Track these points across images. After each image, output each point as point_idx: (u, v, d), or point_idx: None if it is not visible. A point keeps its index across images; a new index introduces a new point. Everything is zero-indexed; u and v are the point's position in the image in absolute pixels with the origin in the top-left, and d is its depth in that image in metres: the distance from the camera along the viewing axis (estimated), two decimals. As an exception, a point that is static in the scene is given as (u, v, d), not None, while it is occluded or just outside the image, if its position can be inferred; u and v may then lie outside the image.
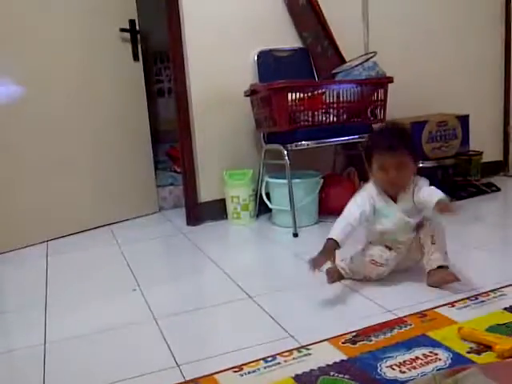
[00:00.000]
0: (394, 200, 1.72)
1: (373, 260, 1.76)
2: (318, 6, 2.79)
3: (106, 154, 2.88)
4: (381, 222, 1.74)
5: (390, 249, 1.77)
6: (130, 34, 2.93)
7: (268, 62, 2.75)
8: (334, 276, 1.81)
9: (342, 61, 2.80)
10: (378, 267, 1.77)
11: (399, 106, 2.88)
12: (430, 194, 1.65)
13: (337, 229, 1.65)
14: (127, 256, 2.30)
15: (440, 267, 1.67)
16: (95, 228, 2.81)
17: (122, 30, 2.88)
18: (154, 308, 1.70)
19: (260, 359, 1.30)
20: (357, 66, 2.58)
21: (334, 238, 1.62)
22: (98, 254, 2.41)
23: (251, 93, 2.61)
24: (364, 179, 2.69)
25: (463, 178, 3.02)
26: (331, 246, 1.62)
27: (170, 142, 3.83)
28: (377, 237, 1.78)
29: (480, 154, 3.11)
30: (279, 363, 1.28)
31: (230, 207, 2.74)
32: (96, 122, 2.82)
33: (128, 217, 2.97)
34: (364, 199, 1.72)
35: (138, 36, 2.97)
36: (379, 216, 1.73)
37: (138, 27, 2.96)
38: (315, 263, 1.58)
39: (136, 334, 1.54)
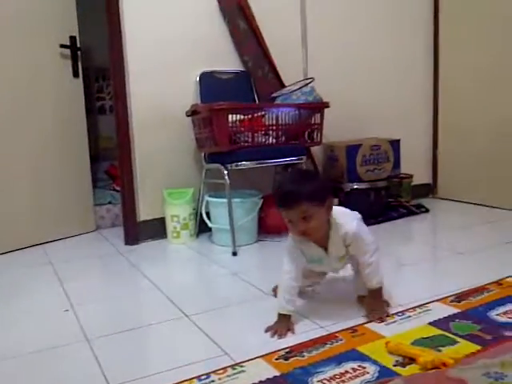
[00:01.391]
0: (325, 249, 1.62)
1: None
2: (259, 30, 2.88)
3: (43, 170, 2.80)
4: (313, 266, 1.71)
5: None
6: (71, 51, 2.89)
7: (210, 83, 2.80)
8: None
9: (282, 85, 2.89)
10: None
11: (335, 130, 3.01)
12: (368, 273, 1.63)
13: (281, 301, 1.61)
14: (61, 276, 2.24)
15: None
16: (28, 247, 2.72)
17: (62, 46, 2.84)
18: (87, 328, 1.66)
19: (194, 377, 1.30)
20: (295, 90, 2.67)
21: (283, 313, 1.60)
22: (30, 274, 2.32)
23: (192, 113, 2.64)
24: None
25: (395, 200, 3.18)
26: (285, 319, 1.60)
27: (111, 160, 3.78)
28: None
29: (410, 176, 3.28)
30: (213, 381, 1.29)
31: (169, 226, 2.73)
32: (34, 137, 2.75)
33: (63, 235, 2.89)
34: (291, 258, 1.63)
35: (79, 53, 2.94)
36: (312, 261, 1.67)
37: (78, 44, 2.93)
38: (278, 333, 1.55)
39: (68, 356, 1.50)
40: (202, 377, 1.31)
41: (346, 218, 1.61)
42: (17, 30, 2.65)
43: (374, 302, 1.66)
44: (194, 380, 1.29)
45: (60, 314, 1.80)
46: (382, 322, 1.60)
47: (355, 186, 2.96)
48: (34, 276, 2.29)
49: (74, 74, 2.94)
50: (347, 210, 1.69)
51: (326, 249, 1.61)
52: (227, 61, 2.90)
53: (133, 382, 1.32)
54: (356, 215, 1.67)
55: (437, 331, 1.50)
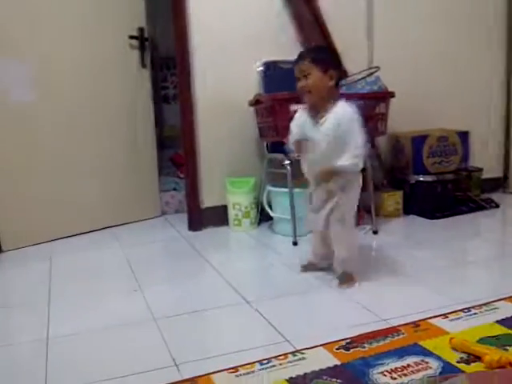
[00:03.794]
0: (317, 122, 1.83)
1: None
2: (323, 19, 2.84)
3: (113, 157, 2.93)
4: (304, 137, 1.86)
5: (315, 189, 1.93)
6: (139, 42, 2.99)
7: (273, 73, 2.81)
8: (308, 267, 2.04)
9: (346, 74, 2.85)
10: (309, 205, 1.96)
11: (401, 120, 2.93)
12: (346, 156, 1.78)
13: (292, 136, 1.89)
14: (129, 258, 2.34)
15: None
16: (98, 230, 2.86)
17: (131, 37, 2.94)
18: (154, 309, 1.74)
19: (255, 361, 1.34)
20: (360, 79, 2.63)
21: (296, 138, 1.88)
22: (101, 256, 2.45)
23: (255, 102, 2.66)
24: (364, 189, 2.75)
25: (463, 193, 3.06)
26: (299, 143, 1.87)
27: (175, 148, 3.88)
28: (304, 170, 1.95)
29: (480, 170, 3.15)
30: (274, 366, 1.32)
31: (231, 214, 2.79)
32: (104, 126, 2.87)
33: (131, 220, 3.02)
34: (294, 128, 1.90)
35: (147, 43, 3.03)
36: (303, 133, 1.86)
37: (146, 35, 3.02)
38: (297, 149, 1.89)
39: (135, 333, 1.58)
40: (264, 361, 1.34)
41: (346, 106, 1.82)
42: (88, 21, 2.77)
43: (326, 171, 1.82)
44: (256, 364, 1.33)
45: (129, 294, 1.89)
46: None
47: (421, 179, 2.89)
48: (104, 257, 2.42)
49: (142, 64, 3.04)
50: None
51: (316, 123, 1.82)
52: (290, 50, 2.85)
53: (197, 361, 1.38)
54: (356, 111, 1.83)
55: (504, 330, 1.45)
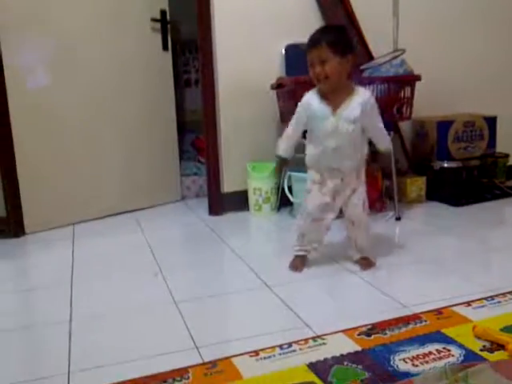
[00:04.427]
0: (334, 109, 1.76)
1: (311, 184, 1.88)
2: (348, 1, 2.79)
3: (134, 141, 2.94)
4: (318, 126, 1.79)
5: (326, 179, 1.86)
6: (161, 24, 2.97)
7: (295, 56, 2.77)
8: (299, 265, 1.92)
9: (370, 57, 2.80)
10: (317, 194, 1.86)
11: (426, 104, 2.87)
12: (378, 136, 1.86)
13: (278, 148, 1.93)
14: (150, 242, 2.36)
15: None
16: (120, 213, 2.88)
17: (153, 19, 2.93)
18: (175, 292, 1.75)
19: (276, 346, 1.34)
20: (385, 62, 2.57)
21: (279, 154, 1.93)
22: (122, 240, 2.47)
23: (277, 86, 2.63)
24: (387, 176, 2.71)
25: (488, 180, 3.00)
26: (279, 161, 1.97)
27: (196, 133, 3.87)
28: (313, 161, 1.87)
29: (506, 156, 3.08)
30: (294, 351, 1.31)
31: (252, 199, 2.78)
32: (125, 109, 2.88)
33: (152, 204, 3.04)
34: (295, 122, 1.87)
35: (168, 26, 3.02)
36: (315, 120, 1.79)
37: (168, 17, 3.00)
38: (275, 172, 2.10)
39: (157, 316, 1.59)
40: (284, 346, 1.34)
41: (368, 92, 1.81)
42: (110, 3, 2.76)
43: (385, 161, 2.08)
44: (276, 348, 1.33)
45: (150, 277, 1.91)
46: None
47: (445, 165, 2.84)
48: (126, 241, 2.44)
49: (164, 47, 3.03)
50: None
51: (334, 110, 1.75)
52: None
53: (217, 344, 1.38)
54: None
55: (530, 319, 1.42)
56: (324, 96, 1.77)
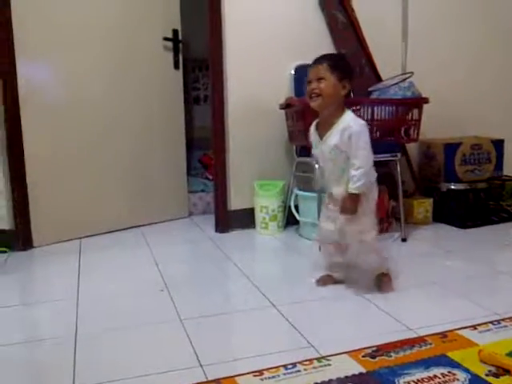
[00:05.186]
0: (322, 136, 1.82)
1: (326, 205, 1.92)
2: (358, 24, 2.83)
3: (143, 157, 2.97)
4: (314, 151, 1.90)
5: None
6: (173, 43, 3.02)
7: (304, 77, 2.79)
8: (326, 281, 1.95)
9: (379, 79, 2.83)
10: (323, 218, 1.92)
11: (433, 126, 2.89)
12: (353, 175, 1.73)
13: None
14: (156, 258, 2.37)
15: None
16: (127, 228, 2.90)
17: (166, 38, 2.98)
18: (181, 309, 1.75)
19: (280, 366, 1.33)
20: (393, 85, 2.60)
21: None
22: (129, 254, 2.48)
23: (286, 106, 2.66)
24: (394, 197, 2.72)
25: (495, 203, 3.00)
26: None
27: (203, 149, 3.91)
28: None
29: (514, 179, 3.08)
30: (299, 371, 1.31)
31: (258, 217, 2.79)
32: (135, 125, 2.92)
33: (159, 220, 3.06)
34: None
35: (180, 45, 3.07)
36: (313, 145, 1.90)
37: (180, 37, 3.05)
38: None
39: (162, 333, 1.60)
40: (289, 366, 1.34)
41: (357, 119, 1.79)
42: (124, 23, 2.81)
43: (349, 201, 1.75)
44: (281, 368, 1.32)
45: (156, 293, 1.92)
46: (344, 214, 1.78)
47: (452, 187, 2.84)
48: (132, 256, 2.45)
49: (175, 65, 3.08)
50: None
51: (322, 136, 1.81)
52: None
53: (222, 364, 1.38)
54: (366, 126, 1.78)
55: (536, 344, 1.42)
56: (318, 122, 1.86)
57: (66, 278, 2.13)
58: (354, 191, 1.73)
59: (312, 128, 1.89)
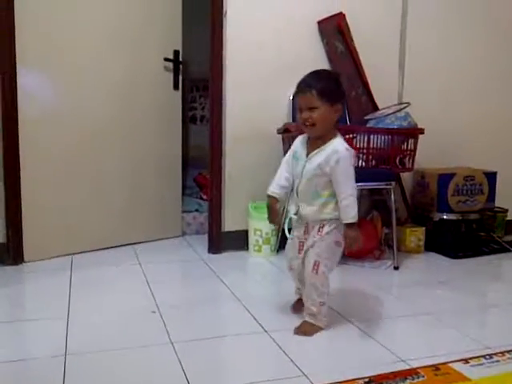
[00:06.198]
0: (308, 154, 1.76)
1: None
2: (356, 53, 2.88)
3: (138, 174, 2.96)
4: (295, 167, 1.80)
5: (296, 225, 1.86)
6: (173, 64, 3.05)
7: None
8: (298, 307, 1.91)
9: (375, 107, 2.87)
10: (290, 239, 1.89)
11: (427, 156, 2.92)
12: (346, 205, 1.68)
13: (271, 186, 1.85)
14: (148, 277, 2.35)
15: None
16: (119, 246, 2.88)
17: (166, 59, 3.00)
18: (172, 332, 1.74)
19: (272, 394, 1.32)
20: (390, 114, 2.64)
21: (268, 193, 1.84)
22: (121, 272, 2.46)
23: (284, 131, 2.69)
24: (387, 225, 2.74)
25: (486, 234, 3.03)
26: (270, 202, 1.84)
27: (198, 169, 3.92)
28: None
29: (505, 211, 3.11)
30: (291, 400, 1.30)
31: (252, 239, 2.79)
32: (131, 144, 2.91)
33: (151, 238, 3.04)
34: (287, 154, 1.86)
35: (181, 66, 3.09)
36: (294, 160, 1.80)
37: (181, 58, 3.08)
38: (270, 220, 1.88)
39: (152, 356, 1.58)
40: (280, 395, 1.33)
41: (346, 145, 1.73)
42: (126, 42, 2.83)
43: (352, 233, 1.70)
44: (272, 397, 1.31)
45: (147, 315, 1.90)
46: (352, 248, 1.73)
47: (445, 217, 2.86)
48: (124, 274, 2.43)
49: (175, 86, 3.10)
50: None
51: (308, 153, 1.75)
52: (322, 81, 2.92)
53: (213, 390, 1.37)
54: (354, 154, 1.75)
55: (528, 381, 1.42)
56: (308, 140, 1.79)
57: (56, 295, 2.11)
58: (350, 221, 1.69)
59: (301, 140, 1.81)
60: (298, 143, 1.82)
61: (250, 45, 2.79)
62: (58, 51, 2.60)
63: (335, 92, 1.71)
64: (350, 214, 1.69)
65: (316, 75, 1.74)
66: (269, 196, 1.84)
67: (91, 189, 2.78)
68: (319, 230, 1.74)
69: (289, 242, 1.92)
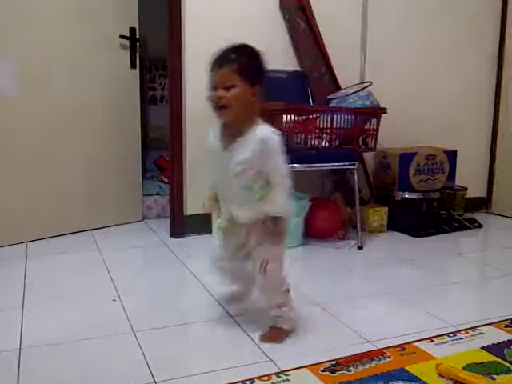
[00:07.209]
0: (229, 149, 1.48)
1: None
2: (319, 32, 2.83)
3: (96, 158, 2.85)
4: (213, 163, 1.58)
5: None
6: (130, 42, 2.93)
7: (265, 82, 2.77)
8: (237, 307, 1.77)
9: (338, 87, 2.84)
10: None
11: (389, 136, 2.93)
12: (271, 199, 1.45)
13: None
14: (108, 264, 2.27)
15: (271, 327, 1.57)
16: (77, 232, 2.78)
17: (122, 36, 2.88)
18: (134, 320, 1.68)
19: (238, 381, 1.29)
20: (352, 94, 2.61)
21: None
22: (79, 260, 2.37)
23: (246, 111, 2.62)
24: (350, 205, 2.74)
25: (447, 212, 3.08)
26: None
27: (159, 151, 3.81)
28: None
29: (465, 189, 3.17)
30: (257, 387, 1.28)
31: (215, 222, 2.73)
32: (89, 126, 2.80)
33: (111, 223, 2.94)
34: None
35: (138, 44, 2.98)
36: (210, 155, 1.58)
37: (137, 35, 2.96)
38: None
39: (114, 346, 1.52)
40: (247, 382, 1.30)
41: (270, 129, 1.46)
42: (80, 20, 2.70)
43: (273, 226, 1.47)
44: (239, 384, 1.28)
45: (108, 303, 1.83)
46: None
47: (406, 196, 2.89)
48: (83, 262, 2.34)
49: (132, 64, 2.98)
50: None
51: (226, 147, 1.49)
52: (283, 60, 2.86)
53: (177, 380, 1.33)
54: (281, 140, 1.47)
55: (490, 357, 1.44)
56: (222, 129, 1.53)
57: (10, 285, 2.01)
58: (278, 214, 1.46)
59: (213, 131, 1.55)
60: (211, 132, 1.56)
61: (210, 21, 2.69)
62: (9, 28, 2.45)
63: (258, 71, 1.48)
64: (280, 207, 1.46)
65: (238, 49, 1.48)
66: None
67: (46, 172, 2.66)
68: (257, 230, 1.50)
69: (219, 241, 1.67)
